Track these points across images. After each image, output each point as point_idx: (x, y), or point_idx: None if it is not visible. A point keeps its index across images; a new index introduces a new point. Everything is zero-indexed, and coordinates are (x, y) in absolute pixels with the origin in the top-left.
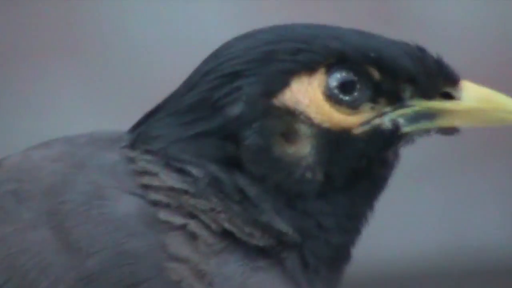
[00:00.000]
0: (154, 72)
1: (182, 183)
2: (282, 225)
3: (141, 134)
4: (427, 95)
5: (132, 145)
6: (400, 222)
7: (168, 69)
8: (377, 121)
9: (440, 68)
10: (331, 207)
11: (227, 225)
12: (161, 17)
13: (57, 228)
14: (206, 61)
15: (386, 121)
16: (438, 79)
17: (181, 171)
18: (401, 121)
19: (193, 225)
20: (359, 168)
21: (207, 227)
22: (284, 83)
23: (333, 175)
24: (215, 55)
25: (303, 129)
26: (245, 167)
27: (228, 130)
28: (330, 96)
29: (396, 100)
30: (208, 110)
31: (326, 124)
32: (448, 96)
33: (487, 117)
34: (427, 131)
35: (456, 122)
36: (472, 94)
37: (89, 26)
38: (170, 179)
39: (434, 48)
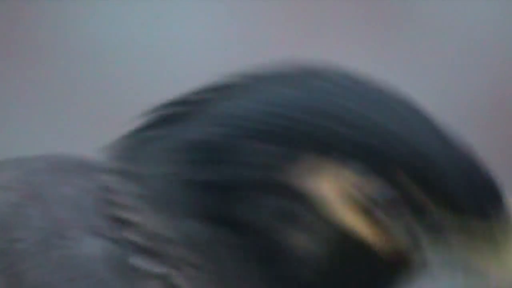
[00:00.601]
0: (124, 82)
1: (168, 228)
2: None
3: (124, 156)
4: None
5: (109, 171)
6: None
7: (141, 79)
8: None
9: (494, 209)
10: None
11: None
12: (127, 20)
13: (7, 271)
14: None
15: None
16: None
17: (169, 213)
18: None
19: (175, 277)
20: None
21: (192, 281)
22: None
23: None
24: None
25: (315, 223)
26: (236, 239)
27: (233, 189)
28: (363, 210)
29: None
30: (224, 155)
31: (341, 227)
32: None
33: None
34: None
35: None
36: None
37: (41, 28)
38: (154, 219)
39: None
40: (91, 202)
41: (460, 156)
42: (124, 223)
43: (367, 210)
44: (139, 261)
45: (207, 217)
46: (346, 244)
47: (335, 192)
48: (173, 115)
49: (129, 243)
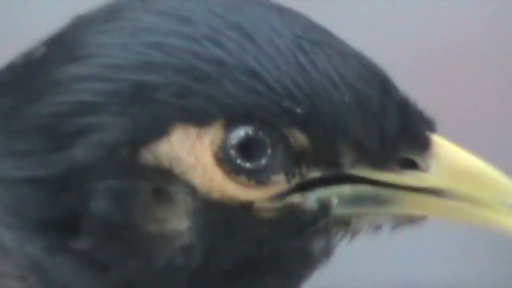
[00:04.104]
0: None
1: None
2: None
3: None
4: (377, 163)
5: None
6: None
7: None
8: (295, 198)
9: (406, 124)
10: None
11: None
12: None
13: None
14: (67, 58)
15: (310, 199)
16: (398, 142)
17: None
18: (334, 201)
19: None
20: (256, 257)
21: None
22: (160, 131)
23: (216, 262)
24: (84, 55)
25: (181, 197)
26: (82, 243)
27: (70, 181)
28: (225, 160)
29: (328, 168)
30: (52, 143)
31: (215, 195)
32: (411, 164)
33: (462, 210)
34: (375, 219)
35: (416, 210)
36: (447, 166)
37: None
38: None
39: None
40: None
41: (366, 90)
42: None
43: (232, 166)
44: None
45: (40, 222)
46: (224, 215)
47: (198, 156)
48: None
49: None
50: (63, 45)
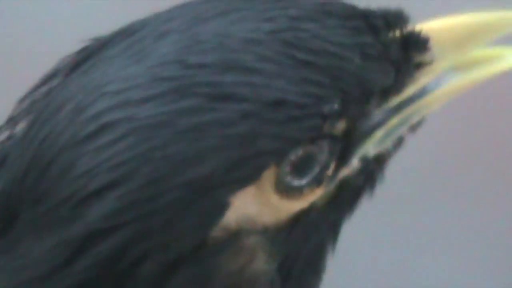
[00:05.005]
0: None
1: None
2: None
3: None
4: (398, 91)
5: None
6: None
7: None
8: (341, 172)
9: (409, 46)
10: None
11: None
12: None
13: None
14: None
15: (353, 166)
16: (408, 64)
17: None
18: (370, 152)
19: None
20: (326, 243)
21: None
22: (223, 208)
23: (292, 269)
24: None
25: (255, 241)
26: None
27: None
28: (285, 188)
29: (360, 123)
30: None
31: (283, 218)
32: (420, 65)
33: (476, 72)
34: (399, 134)
35: (436, 105)
36: (446, 45)
37: None
38: None
39: None
40: None
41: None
42: None
43: (287, 187)
44: None
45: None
46: (295, 230)
47: (262, 201)
48: None
49: None
50: None
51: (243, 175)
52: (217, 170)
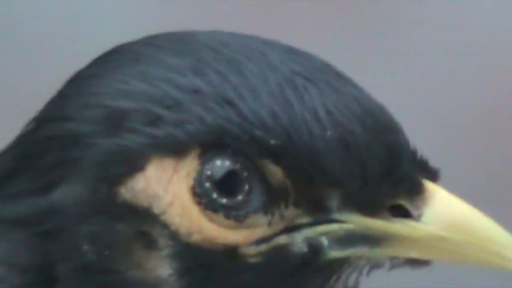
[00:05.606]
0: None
1: None
2: None
3: None
4: (365, 208)
5: None
6: None
7: None
8: (281, 239)
9: (395, 168)
10: None
11: None
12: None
13: None
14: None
15: (297, 240)
16: (383, 185)
17: None
18: (324, 242)
19: None
20: None
21: None
22: (135, 165)
23: None
24: (77, 90)
25: (162, 241)
26: None
27: (48, 224)
28: (201, 194)
29: (314, 211)
30: (33, 181)
31: (196, 238)
32: (403, 212)
33: (459, 252)
34: (371, 259)
35: (412, 253)
36: (440, 214)
37: None
38: None
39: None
40: None
41: (349, 124)
42: None
43: (207, 201)
44: None
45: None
46: (207, 260)
47: (175, 193)
48: None
49: None
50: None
51: (160, 136)
52: (138, 116)
